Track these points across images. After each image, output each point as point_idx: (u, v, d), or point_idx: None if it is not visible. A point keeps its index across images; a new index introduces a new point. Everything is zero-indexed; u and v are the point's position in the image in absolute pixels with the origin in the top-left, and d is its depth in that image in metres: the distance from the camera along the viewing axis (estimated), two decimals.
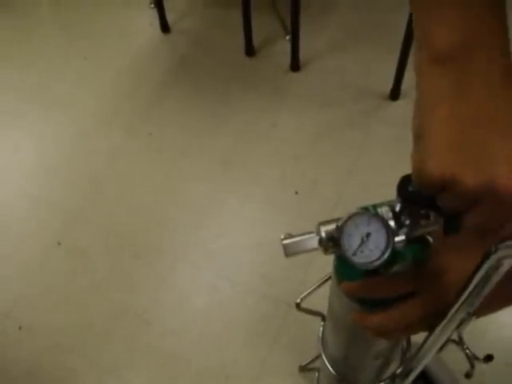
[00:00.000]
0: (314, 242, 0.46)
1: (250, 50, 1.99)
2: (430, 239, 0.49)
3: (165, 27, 2.10)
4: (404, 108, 1.79)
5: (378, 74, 1.87)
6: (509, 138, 0.39)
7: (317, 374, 1.14)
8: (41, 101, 1.95)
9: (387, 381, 0.79)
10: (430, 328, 0.51)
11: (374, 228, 0.44)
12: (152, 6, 2.14)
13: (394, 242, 0.44)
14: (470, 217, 0.41)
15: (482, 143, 0.39)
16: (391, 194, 0.48)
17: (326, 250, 0.46)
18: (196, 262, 1.52)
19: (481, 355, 0.61)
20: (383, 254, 0.44)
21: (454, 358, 1.02)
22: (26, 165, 1.79)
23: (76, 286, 1.51)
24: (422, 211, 0.46)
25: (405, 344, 0.80)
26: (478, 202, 0.40)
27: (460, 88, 0.39)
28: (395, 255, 0.45)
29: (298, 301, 0.79)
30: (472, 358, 0.50)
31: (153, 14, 2.09)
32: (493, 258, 0.37)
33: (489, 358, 0.51)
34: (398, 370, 0.78)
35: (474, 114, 0.39)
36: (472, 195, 0.39)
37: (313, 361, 1.17)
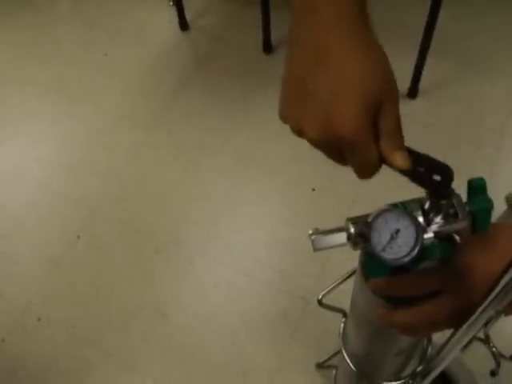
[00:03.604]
0: (342, 237, 0.47)
1: (267, 47, 1.99)
2: (457, 237, 0.50)
3: (184, 25, 2.11)
4: (422, 106, 1.78)
5: (396, 73, 1.85)
6: (324, 74, 0.42)
7: (334, 371, 1.14)
8: (61, 96, 1.97)
9: (407, 378, 0.80)
10: (456, 326, 0.51)
11: (404, 225, 0.44)
12: (171, 3, 2.15)
13: (423, 239, 0.44)
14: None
15: (302, 84, 0.43)
16: (408, 191, 0.49)
17: (354, 246, 0.47)
18: (214, 256, 1.53)
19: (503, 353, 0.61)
20: (412, 250, 0.44)
21: (474, 359, 1.02)
22: (46, 160, 1.81)
23: (95, 279, 1.53)
24: (451, 210, 0.46)
25: (425, 342, 0.80)
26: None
27: (300, 34, 0.44)
28: (424, 252, 0.45)
29: (320, 297, 0.79)
30: (498, 356, 0.50)
31: (172, 12, 2.10)
32: None
33: None
34: (419, 368, 0.79)
35: (305, 55, 0.43)
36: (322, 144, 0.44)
37: (331, 357, 1.18)
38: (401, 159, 0.42)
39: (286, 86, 0.46)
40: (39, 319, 1.47)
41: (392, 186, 1.53)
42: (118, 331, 1.43)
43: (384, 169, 0.44)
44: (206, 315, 1.43)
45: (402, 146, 0.44)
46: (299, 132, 0.45)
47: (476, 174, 0.48)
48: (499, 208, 1.19)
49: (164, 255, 1.55)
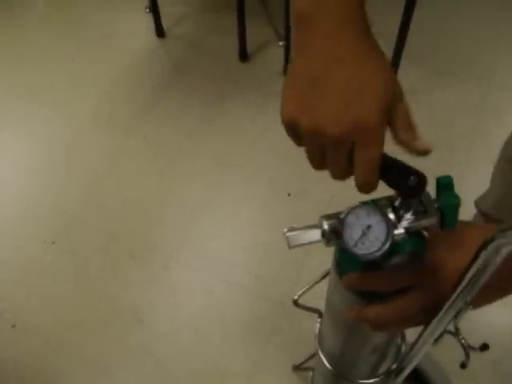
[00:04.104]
0: (316, 234, 0.48)
1: (243, 56, 2.01)
2: (426, 234, 0.51)
3: (160, 32, 2.12)
4: None
5: None
6: (340, 73, 0.44)
7: (311, 372, 1.15)
8: (36, 101, 1.95)
9: (382, 376, 0.81)
10: (426, 321, 0.52)
11: (375, 220, 0.46)
12: (147, 10, 2.15)
13: (393, 235, 0.46)
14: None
15: (316, 83, 0.44)
16: (382, 193, 0.50)
17: (328, 242, 0.48)
18: (190, 262, 1.53)
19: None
20: (383, 245, 0.45)
21: (447, 356, 1.04)
22: (22, 165, 1.79)
23: (70, 284, 1.51)
24: (420, 207, 0.48)
25: (399, 340, 0.82)
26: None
27: (308, 42, 0.46)
28: (394, 247, 0.46)
29: (296, 297, 0.80)
30: (468, 348, 0.52)
31: (148, 19, 2.10)
32: (492, 246, 0.38)
33: (484, 347, 0.53)
34: (393, 366, 0.80)
35: (318, 57, 0.45)
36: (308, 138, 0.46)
37: (307, 360, 1.19)
38: (422, 145, 0.46)
39: (296, 85, 0.46)
40: (14, 326, 1.45)
41: None
42: (93, 337, 1.42)
43: None
44: (181, 321, 1.43)
45: (418, 136, 0.46)
46: (313, 130, 0.45)
47: None
48: (469, 212, 1.22)
49: (139, 260, 1.54)
